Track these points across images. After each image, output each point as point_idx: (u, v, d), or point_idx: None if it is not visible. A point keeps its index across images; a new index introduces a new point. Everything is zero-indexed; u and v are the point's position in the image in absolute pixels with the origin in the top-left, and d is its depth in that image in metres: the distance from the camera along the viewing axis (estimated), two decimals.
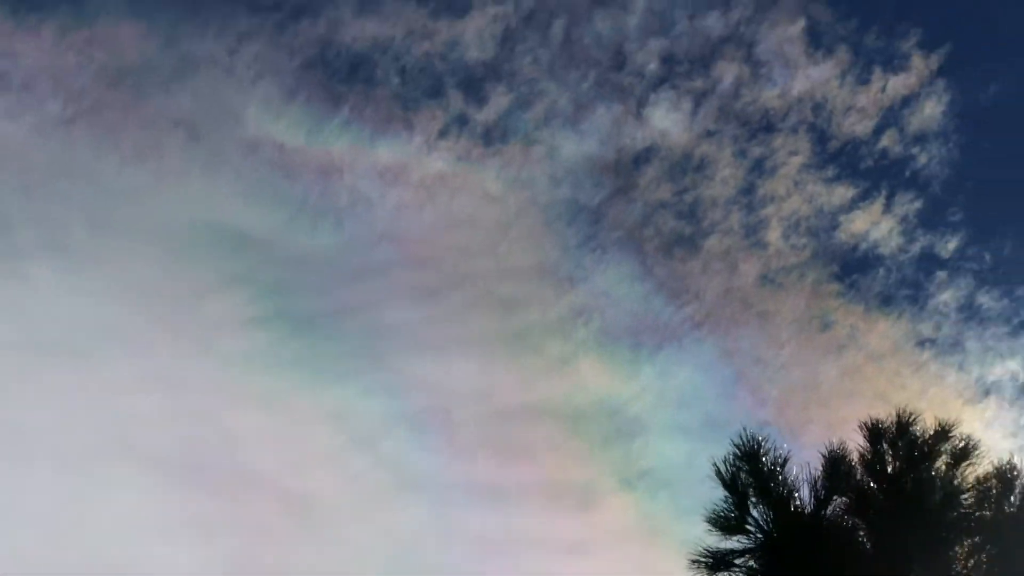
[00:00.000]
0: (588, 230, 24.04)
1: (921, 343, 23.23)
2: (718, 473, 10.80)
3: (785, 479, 10.77)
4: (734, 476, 10.81)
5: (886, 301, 23.34)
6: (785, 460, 10.84)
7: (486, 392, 24.13)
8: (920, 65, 22.73)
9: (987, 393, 22.57)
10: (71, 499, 21.45)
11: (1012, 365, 22.53)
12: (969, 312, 22.89)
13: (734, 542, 10.73)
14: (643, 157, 23.63)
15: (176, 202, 22.68)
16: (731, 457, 10.82)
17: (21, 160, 22.25)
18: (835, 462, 10.63)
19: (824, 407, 23.28)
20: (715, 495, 10.76)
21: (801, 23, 22.85)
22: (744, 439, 11.04)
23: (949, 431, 10.47)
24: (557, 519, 23.02)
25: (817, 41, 23.12)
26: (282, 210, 23.21)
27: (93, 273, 22.35)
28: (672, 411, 23.65)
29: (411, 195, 23.45)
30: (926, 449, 10.44)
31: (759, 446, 10.94)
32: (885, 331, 23.12)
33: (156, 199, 22.68)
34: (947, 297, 22.92)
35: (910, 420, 10.61)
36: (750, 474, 10.84)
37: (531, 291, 24.31)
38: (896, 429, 10.63)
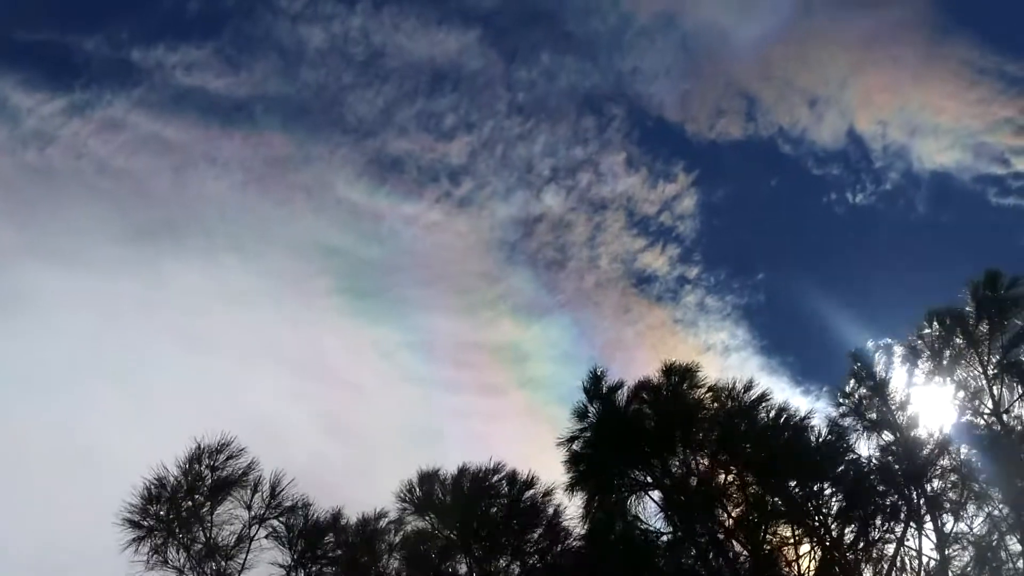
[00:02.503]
0: (509, 254, 42.63)
1: (676, 322, 41.81)
2: (584, 384, 23.50)
3: (613, 395, 23.43)
4: (588, 389, 23.95)
5: (659, 299, 41.96)
6: (615, 388, 23.54)
7: (453, 334, 42.63)
8: (683, 179, 41.74)
9: (708, 350, 41.36)
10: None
11: (722, 336, 41.37)
12: (701, 307, 41.46)
13: (581, 425, 22.92)
14: (539, 219, 42.65)
15: (300, 229, 42.28)
16: (589, 378, 23.91)
17: (219, 205, 41.93)
18: (638, 389, 25.03)
19: (625, 352, 42.81)
20: (572, 396, 24.42)
21: (623, 154, 42.16)
22: (595, 371, 23.86)
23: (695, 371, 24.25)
24: (486, 401, 40.75)
25: (630, 164, 42.19)
26: (354, 234, 42.54)
27: (259, 263, 42.21)
28: (547, 350, 42.17)
29: (421, 231, 42.52)
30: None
31: (602, 376, 24.30)
32: (658, 315, 41.92)
33: (288, 227, 42.36)
34: (690, 299, 41.47)
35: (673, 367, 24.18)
36: (594, 387, 23.59)
37: (478, 283, 43.05)
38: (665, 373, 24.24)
